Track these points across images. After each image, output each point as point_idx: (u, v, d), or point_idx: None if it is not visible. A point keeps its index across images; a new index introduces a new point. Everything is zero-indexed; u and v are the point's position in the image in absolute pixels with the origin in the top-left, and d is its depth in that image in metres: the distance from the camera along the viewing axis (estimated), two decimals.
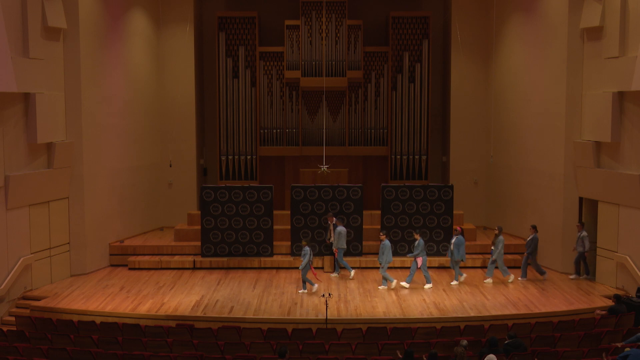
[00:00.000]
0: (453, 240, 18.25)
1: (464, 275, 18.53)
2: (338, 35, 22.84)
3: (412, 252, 18.20)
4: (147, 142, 22.61)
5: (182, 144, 23.25)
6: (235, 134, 23.21)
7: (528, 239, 18.82)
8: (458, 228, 18.46)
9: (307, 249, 17.65)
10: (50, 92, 18.23)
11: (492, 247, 18.52)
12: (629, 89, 16.73)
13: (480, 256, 20.06)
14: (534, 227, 18.79)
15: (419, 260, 17.90)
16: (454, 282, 18.28)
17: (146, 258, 20.27)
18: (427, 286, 17.93)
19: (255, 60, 23.14)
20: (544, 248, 19.72)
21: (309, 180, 22.31)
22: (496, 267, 18.71)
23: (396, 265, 19.68)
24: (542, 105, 19.99)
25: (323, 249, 19.87)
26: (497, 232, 18.54)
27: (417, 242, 17.96)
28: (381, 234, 18.21)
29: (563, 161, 19.14)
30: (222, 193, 20.10)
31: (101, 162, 20.10)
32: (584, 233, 18.31)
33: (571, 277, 18.79)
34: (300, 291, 17.65)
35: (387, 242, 17.90)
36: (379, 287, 17.98)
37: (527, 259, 18.76)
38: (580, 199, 19.03)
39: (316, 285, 17.74)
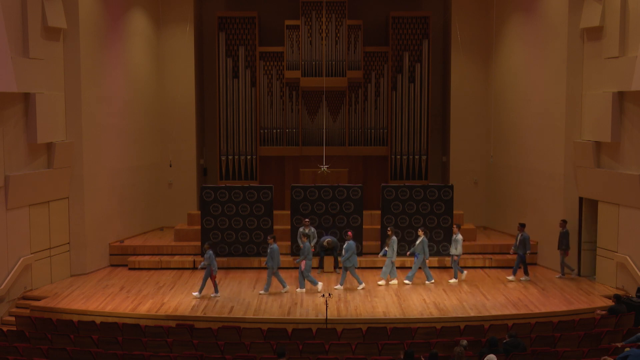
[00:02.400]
0: (344, 245, 17.87)
1: (363, 284, 17.99)
2: (338, 35, 22.84)
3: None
4: (147, 142, 22.61)
5: (182, 144, 23.26)
6: (235, 134, 23.20)
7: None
8: (350, 233, 18.26)
9: (210, 252, 17.09)
10: (50, 92, 18.23)
11: (387, 248, 18.25)
12: (629, 89, 16.73)
13: (480, 256, 20.05)
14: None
15: (302, 264, 17.56)
16: (359, 285, 17.94)
17: (146, 258, 20.27)
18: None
19: (255, 60, 23.13)
20: (544, 248, 19.72)
21: (309, 180, 22.30)
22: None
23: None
24: (542, 105, 19.99)
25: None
26: (389, 232, 18.33)
27: (303, 245, 17.71)
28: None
29: (563, 161, 19.14)
30: (222, 193, 20.09)
31: (101, 162, 20.10)
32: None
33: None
34: (212, 295, 17.17)
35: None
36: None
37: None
38: (580, 199, 19.03)
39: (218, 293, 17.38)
